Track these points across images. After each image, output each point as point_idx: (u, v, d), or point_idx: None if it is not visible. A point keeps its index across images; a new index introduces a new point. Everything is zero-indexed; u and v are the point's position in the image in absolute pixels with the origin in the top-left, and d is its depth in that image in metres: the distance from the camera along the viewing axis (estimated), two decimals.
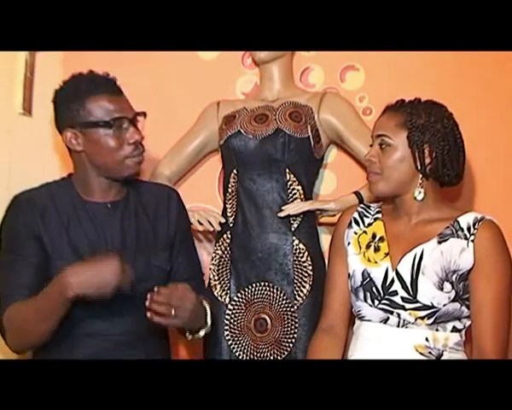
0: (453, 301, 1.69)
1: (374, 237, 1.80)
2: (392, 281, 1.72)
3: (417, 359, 1.68)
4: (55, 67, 2.22)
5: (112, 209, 1.81)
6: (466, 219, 1.72)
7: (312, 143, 2.09)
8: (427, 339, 1.70)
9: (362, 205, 1.90)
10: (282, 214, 2.03)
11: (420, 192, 1.73)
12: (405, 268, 1.71)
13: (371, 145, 1.79)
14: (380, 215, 1.84)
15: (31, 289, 1.68)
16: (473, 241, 1.68)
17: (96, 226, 1.78)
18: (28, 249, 1.73)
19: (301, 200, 2.06)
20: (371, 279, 1.75)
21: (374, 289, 1.74)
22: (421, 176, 1.73)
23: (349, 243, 1.83)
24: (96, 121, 1.73)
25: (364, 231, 1.83)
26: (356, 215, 1.86)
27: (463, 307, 1.70)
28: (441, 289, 1.68)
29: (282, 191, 2.06)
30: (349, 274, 1.80)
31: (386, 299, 1.72)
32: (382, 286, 1.73)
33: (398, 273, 1.72)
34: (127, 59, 2.21)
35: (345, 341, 1.83)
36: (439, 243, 1.71)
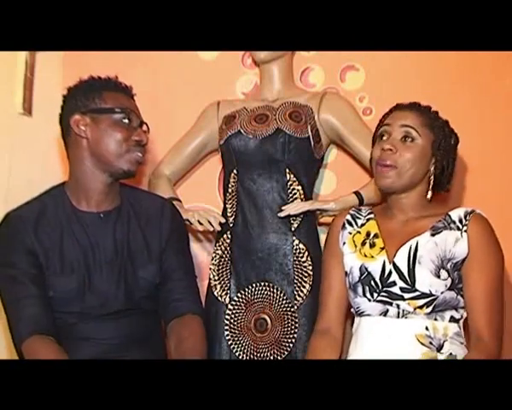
0: (449, 289, 1.71)
1: (368, 234, 1.83)
2: (390, 273, 1.74)
3: (419, 349, 1.70)
4: (55, 67, 2.22)
5: (104, 219, 1.80)
6: (457, 213, 1.76)
7: (312, 143, 2.09)
8: (427, 328, 1.71)
9: (353, 208, 1.92)
10: (282, 214, 2.03)
11: (430, 195, 1.80)
12: (402, 259, 1.74)
13: (382, 136, 1.78)
14: (372, 215, 1.87)
15: (40, 301, 1.71)
16: (466, 231, 1.73)
17: (89, 236, 1.78)
18: (25, 264, 1.73)
19: (301, 200, 2.06)
20: (369, 273, 1.77)
21: (372, 282, 1.76)
22: (433, 178, 1.78)
23: (344, 243, 1.85)
24: (111, 108, 1.77)
25: (358, 231, 1.85)
26: (348, 217, 1.89)
27: (459, 297, 1.73)
28: (438, 276, 1.71)
29: (282, 191, 2.06)
30: (346, 272, 1.82)
31: (385, 291, 1.74)
32: (380, 278, 1.75)
33: (395, 265, 1.74)
34: (127, 59, 2.21)
35: (341, 343, 1.85)
36: (433, 235, 1.74)
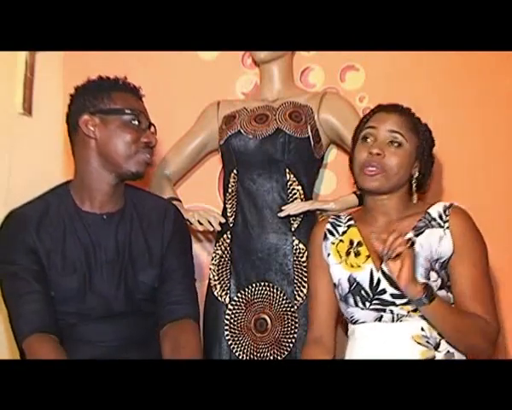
0: (440, 288, 1.71)
1: (351, 243, 1.81)
2: (379, 280, 1.73)
3: (416, 349, 1.69)
4: (55, 67, 2.22)
5: (107, 220, 1.80)
6: (436, 209, 1.76)
7: (312, 143, 2.09)
8: (422, 329, 1.71)
9: (332, 216, 1.91)
10: (282, 214, 2.03)
11: (416, 198, 1.81)
12: None
13: (365, 138, 1.78)
14: (352, 222, 1.85)
15: (42, 297, 1.72)
16: (448, 228, 1.72)
17: (91, 235, 1.78)
18: (26, 261, 1.74)
19: (301, 200, 2.06)
20: (358, 283, 1.76)
21: (362, 292, 1.75)
22: (415, 181, 1.79)
23: (329, 254, 1.83)
24: (121, 108, 1.77)
25: (341, 240, 1.83)
26: (329, 226, 1.87)
27: (449, 294, 1.73)
28: (428, 279, 1.70)
29: (282, 191, 2.06)
30: (335, 284, 1.81)
31: (376, 299, 1.73)
32: (370, 287, 1.74)
33: (383, 272, 1.73)
34: (127, 59, 2.21)
35: (333, 350, 1.84)
36: (416, 236, 1.73)
